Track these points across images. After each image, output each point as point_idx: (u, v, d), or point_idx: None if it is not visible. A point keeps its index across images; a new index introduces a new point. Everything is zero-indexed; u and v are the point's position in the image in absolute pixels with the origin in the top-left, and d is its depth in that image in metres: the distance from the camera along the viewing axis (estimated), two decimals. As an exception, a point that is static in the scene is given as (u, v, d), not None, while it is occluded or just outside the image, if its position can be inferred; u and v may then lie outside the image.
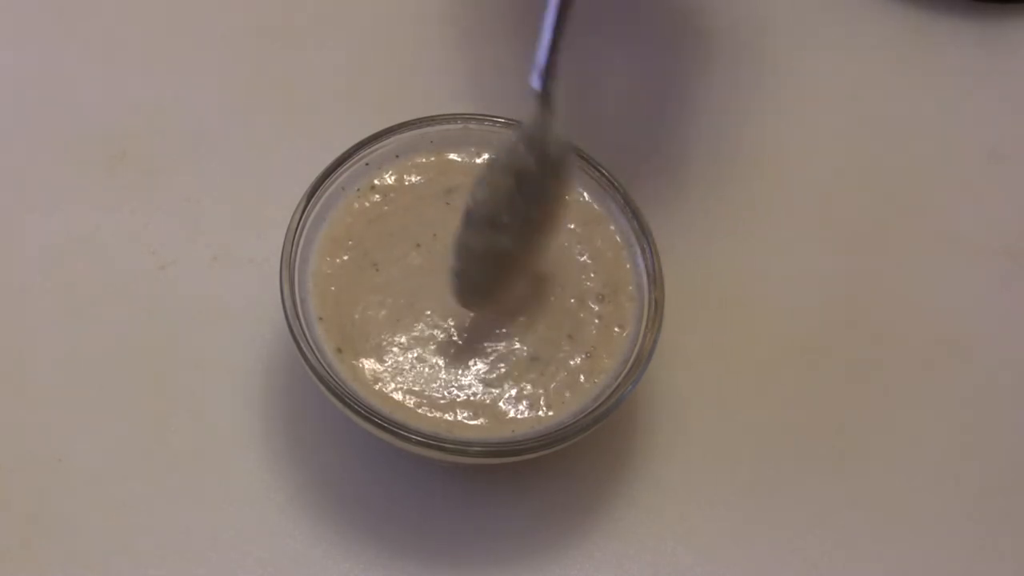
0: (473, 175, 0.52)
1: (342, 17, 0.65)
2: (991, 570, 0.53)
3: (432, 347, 0.49)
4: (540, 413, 0.48)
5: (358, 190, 0.52)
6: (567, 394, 0.49)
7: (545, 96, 0.47)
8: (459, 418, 0.48)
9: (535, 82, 0.47)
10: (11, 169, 0.59)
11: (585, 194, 0.53)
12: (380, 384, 0.48)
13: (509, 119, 0.53)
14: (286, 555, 0.51)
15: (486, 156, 0.53)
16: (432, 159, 0.53)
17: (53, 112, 0.61)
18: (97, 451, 0.53)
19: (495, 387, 0.49)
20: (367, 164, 0.52)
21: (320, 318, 0.49)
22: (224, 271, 0.57)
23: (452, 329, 0.49)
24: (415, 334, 0.49)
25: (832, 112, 0.64)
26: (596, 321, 0.50)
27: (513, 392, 0.48)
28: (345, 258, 0.50)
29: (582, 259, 0.51)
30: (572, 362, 0.49)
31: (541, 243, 0.49)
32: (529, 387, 0.49)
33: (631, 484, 0.53)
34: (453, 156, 0.53)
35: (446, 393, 0.48)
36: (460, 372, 0.49)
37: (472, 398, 0.48)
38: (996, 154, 0.63)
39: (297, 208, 0.50)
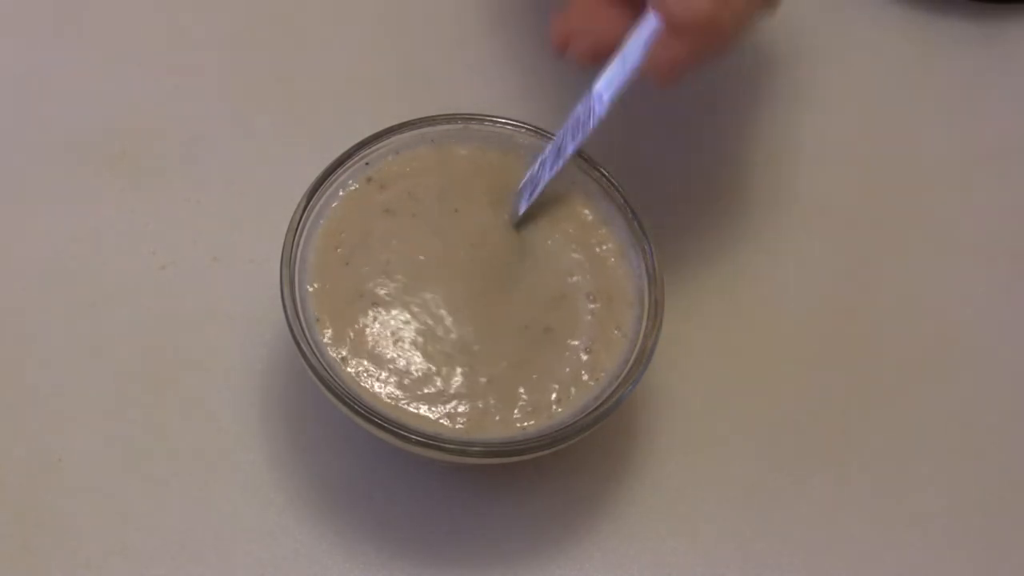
0: (474, 173, 0.52)
1: (342, 17, 0.65)
2: (991, 570, 0.53)
3: (432, 346, 0.49)
4: (540, 413, 0.48)
5: (358, 188, 0.52)
6: (567, 394, 0.49)
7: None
8: (459, 418, 0.48)
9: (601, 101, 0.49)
10: (11, 169, 0.59)
11: (585, 196, 0.52)
12: (380, 384, 0.48)
13: (509, 119, 0.53)
14: (286, 555, 0.51)
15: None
16: (432, 157, 0.53)
17: (53, 112, 0.61)
18: (97, 451, 0.53)
19: (495, 387, 0.48)
20: (367, 164, 0.52)
21: (319, 319, 0.49)
22: (224, 271, 0.57)
23: (452, 328, 0.49)
24: (415, 333, 0.49)
25: (832, 112, 0.64)
26: (595, 323, 0.50)
27: (513, 392, 0.48)
28: (344, 256, 0.50)
29: (580, 260, 0.51)
30: (572, 363, 0.49)
31: None
32: (530, 387, 0.49)
33: (631, 484, 0.53)
34: (453, 156, 0.53)
35: (446, 393, 0.48)
36: (460, 371, 0.49)
37: (472, 397, 0.48)
38: (996, 154, 0.63)
39: (297, 208, 0.50)
